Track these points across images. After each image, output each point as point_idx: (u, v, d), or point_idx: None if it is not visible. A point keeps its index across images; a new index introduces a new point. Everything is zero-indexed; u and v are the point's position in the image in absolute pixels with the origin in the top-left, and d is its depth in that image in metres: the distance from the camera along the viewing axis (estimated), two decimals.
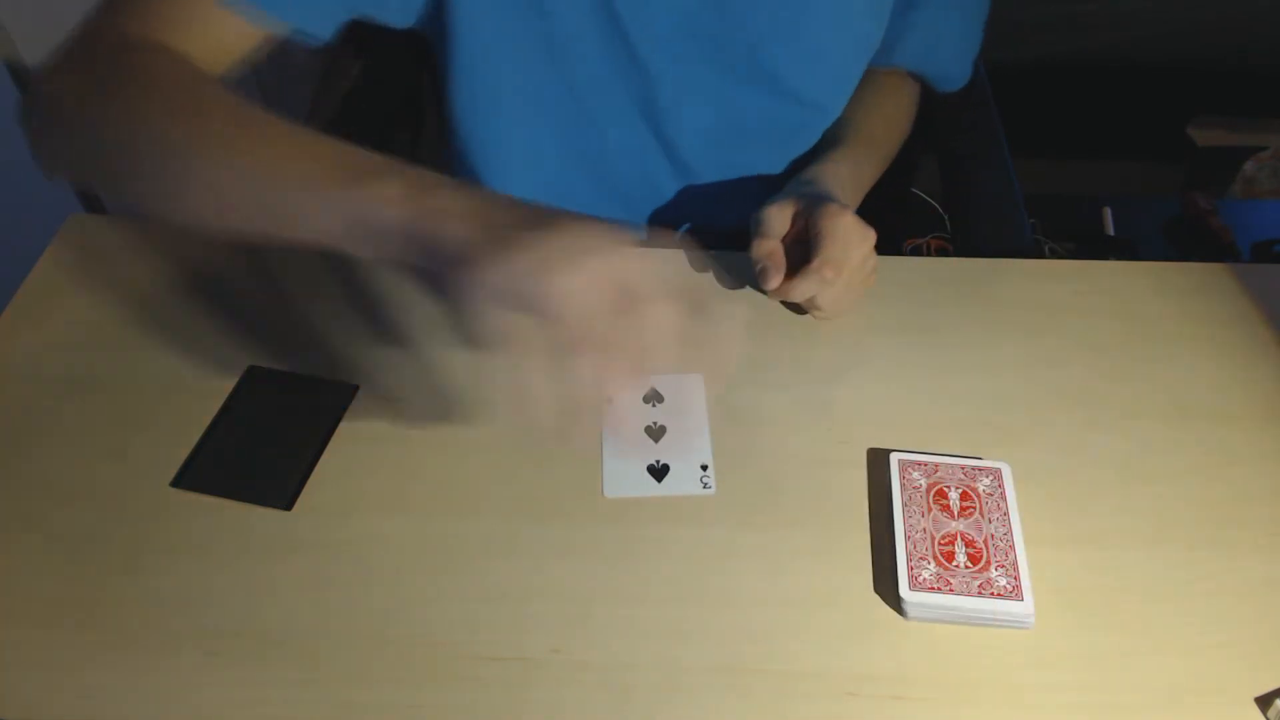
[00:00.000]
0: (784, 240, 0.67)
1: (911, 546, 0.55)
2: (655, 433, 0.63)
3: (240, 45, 0.59)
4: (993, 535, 0.55)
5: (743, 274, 0.71)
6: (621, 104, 0.74)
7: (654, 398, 0.65)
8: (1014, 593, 0.53)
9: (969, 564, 0.54)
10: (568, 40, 0.70)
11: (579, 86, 0.73)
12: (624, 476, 0.60)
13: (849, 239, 0.64)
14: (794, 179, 0.72)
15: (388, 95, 0.99)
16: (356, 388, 0.64)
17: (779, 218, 0.66)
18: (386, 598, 0.54)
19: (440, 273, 0.43)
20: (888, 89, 0.83)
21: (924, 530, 0.56)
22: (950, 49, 0.81)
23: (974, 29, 0.82)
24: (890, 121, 0.83)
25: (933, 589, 0.53)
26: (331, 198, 0.45)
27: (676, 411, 0.64)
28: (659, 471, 0.61)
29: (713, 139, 0.77)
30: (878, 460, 0.61)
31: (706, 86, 0.73)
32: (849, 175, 0.74)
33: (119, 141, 0.51)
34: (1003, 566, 0.54)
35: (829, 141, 0.78)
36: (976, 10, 0.80)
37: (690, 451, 0.62)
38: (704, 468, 0.61)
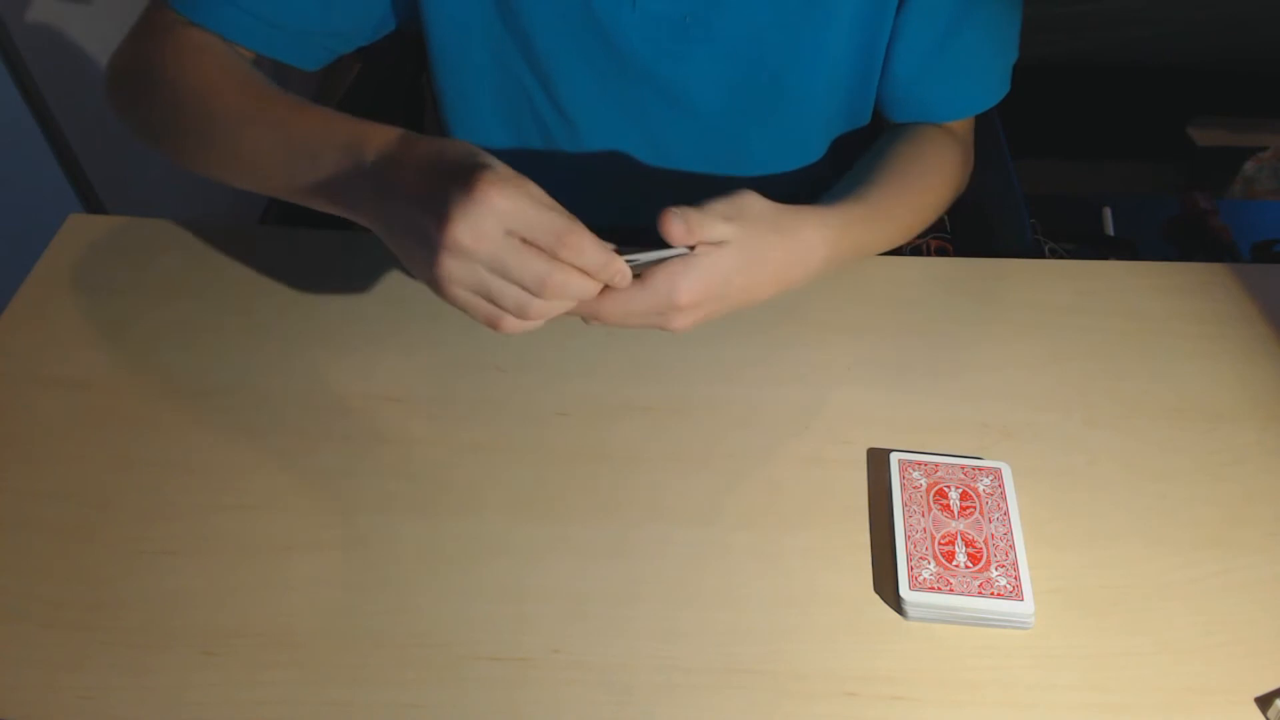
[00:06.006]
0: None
1: (912, 546, 0.55)
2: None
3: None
4: (993, 535, 0.55)
5: None
6: (610, 116, 0.73)
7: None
8: (1014, 592, 0.53)
9: (969, 564, 0.54)
10: (551, 63, 0.70)
11: (561, 100, 0.73)
12: None
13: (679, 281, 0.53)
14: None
15: (387, 95, 0.99)
16: None
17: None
18: (386, 598, 0.54)
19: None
20: (922, 155, 0.74)
21: (924, 530, 0.56)
22: (948, 72, 0.71)
23: (989, 51, 0.71)
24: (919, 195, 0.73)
25: (933, 589, 0.53)
26: (314, 199, 0.56)
27: None
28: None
29: (706, 142, 0.75)
30: (878, 460, 0.61)
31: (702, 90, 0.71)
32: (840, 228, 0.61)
33: (167, 125, 0.62)
34: (1003, 566, 0.54)
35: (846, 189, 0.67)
36: (986, 32, 0.70)
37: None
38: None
